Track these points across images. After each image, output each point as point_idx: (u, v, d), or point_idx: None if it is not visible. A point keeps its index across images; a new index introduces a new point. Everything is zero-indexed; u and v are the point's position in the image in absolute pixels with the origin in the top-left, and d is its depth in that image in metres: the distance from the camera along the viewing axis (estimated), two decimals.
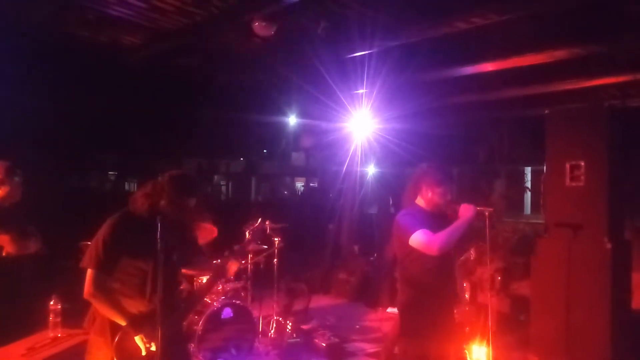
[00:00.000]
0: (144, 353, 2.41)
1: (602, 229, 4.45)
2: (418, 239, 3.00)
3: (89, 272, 2.43)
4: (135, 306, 2.51)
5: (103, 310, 2.47)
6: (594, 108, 5.23)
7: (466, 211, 3.05)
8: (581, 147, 4.60)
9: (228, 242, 5.46)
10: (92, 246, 2.47)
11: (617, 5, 4.79)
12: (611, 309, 4.36)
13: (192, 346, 4.31)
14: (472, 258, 4.76)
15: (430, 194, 3.17)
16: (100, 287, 2.42)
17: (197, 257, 2.96)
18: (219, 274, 2.80)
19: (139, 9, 5.07)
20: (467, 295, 5.48)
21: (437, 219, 3.14)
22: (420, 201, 3.25)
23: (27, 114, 5.67)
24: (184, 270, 4.40)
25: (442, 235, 2.96)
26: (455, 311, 3.25)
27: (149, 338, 2.41)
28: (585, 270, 4.43)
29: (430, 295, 3.12)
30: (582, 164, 4.58)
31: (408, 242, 3.04)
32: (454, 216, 3.12)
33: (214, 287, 4.65)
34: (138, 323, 2.42)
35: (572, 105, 7.50)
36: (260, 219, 3.88)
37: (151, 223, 2.41)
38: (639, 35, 4.98)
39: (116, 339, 2.44)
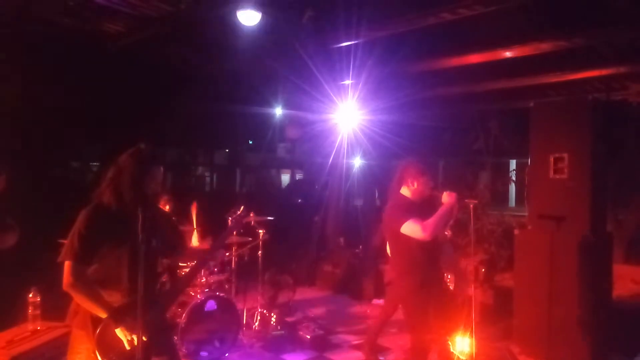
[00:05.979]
0: (126, 345, 2.37)
1: (585, 221, 4.50)
2: (410, 227, 3.36)
3: (67, 264, 2.39)
4: (116, 297, 2.46)
5: (82, 302, 2.43)
6: (578, 101, 5.27)
7: (448, 197, 3.44)
8: (565, 140, 4.63)
9: (213, 232, 5.44)
10: (69, 239, 2.43)
11: None
12: (593, 300, 4.41)
13: (175, 339, 4.27)
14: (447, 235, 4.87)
15: (415, 184, 3.53)
16: (79, 278, 2.38)
17: (182, 244, 2.88)
18: (205, 260, 2.73)
19: None
20: (451, 287, 5.51)
21: (421, 207, 3.50)
22: (405, 191, 3.58)
23: (6, 103, 5.53)
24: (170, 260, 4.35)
25: (431, 222, 3.34)
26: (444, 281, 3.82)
27: (130, 330, 2.36)
28: (568, 262, 4.47)
29: (423, 269, 3.52)
30: (566, 156, 4.61)
31: (400, 230, 3.39)
32: (437, 203, 3.49)
33: (199, 274, 4.60)
34: (118, 315, 2.38)
35: (557, 98, 7.58)
36: (242, 207, 3.85)
37: (122, 210, 2.41)
38: (623, 28, 5.02)
39: (97, 332, 2.39)
